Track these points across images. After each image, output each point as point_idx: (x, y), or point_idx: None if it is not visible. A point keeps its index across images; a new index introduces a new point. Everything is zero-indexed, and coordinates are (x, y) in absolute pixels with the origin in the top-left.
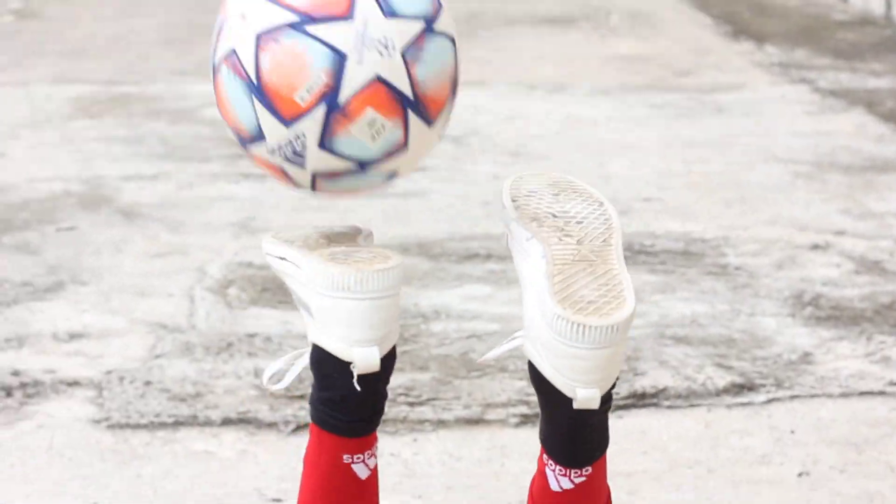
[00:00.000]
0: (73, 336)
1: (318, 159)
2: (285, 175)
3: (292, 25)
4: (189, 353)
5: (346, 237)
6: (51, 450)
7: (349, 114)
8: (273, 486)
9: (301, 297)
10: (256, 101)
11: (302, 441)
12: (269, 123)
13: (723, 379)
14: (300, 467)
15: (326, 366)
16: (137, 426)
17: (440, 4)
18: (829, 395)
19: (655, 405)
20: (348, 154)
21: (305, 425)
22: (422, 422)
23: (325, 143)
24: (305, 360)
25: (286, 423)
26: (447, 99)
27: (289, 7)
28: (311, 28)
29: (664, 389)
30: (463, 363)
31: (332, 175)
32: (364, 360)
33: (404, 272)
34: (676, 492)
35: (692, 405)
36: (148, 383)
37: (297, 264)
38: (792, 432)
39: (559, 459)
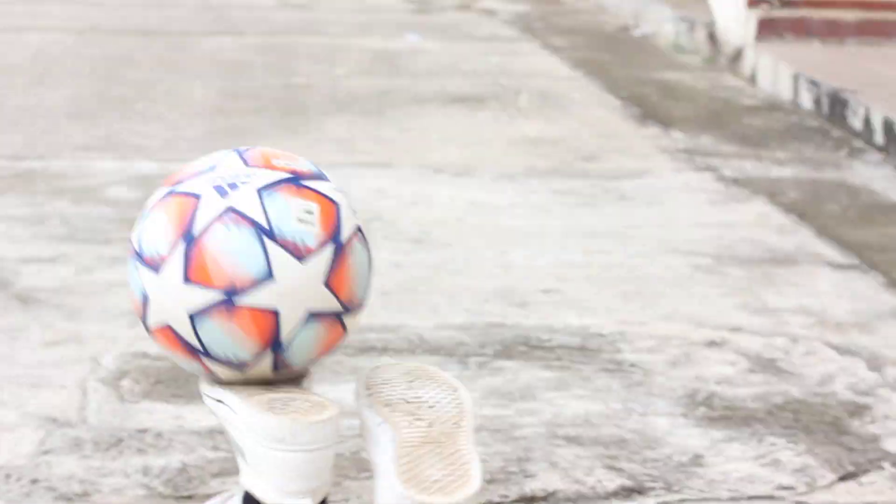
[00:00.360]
0: None
1: (274, 375)
2: None
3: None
4: (78, 450)
5: (290, 383)
6: None
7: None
8: None
9: (236, 442)
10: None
11: None
12: None
13: (612, 482)
14: None
15: None
16: None
17: (336, 208)
18: (718, 499)
19: None
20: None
21: None
22: None
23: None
24: (235, 500)
25: None
26: (369, 280)
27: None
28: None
29: (553, 493)
30: (354, 462)
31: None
32: None
33: (339, 424)
34: None
35: None
36: (34, 481)
37: (233, 409)
38: None
39: None
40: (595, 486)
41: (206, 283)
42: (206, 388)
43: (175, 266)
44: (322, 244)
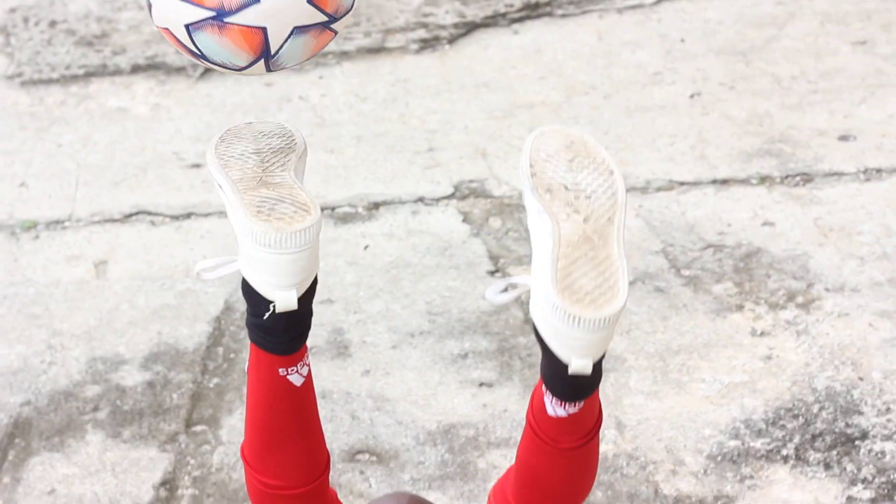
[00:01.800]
0: None
1: (269, 73)
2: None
3: None
4: None
5: (281, 154)
6: None
7: None
8: (189, 150)
9: (234, 228)
10: (206, 62)
11: (209, 87)
12: None
13: None
14: (213, 122)
15: (254, 297)
16: (50, 81)
17: None
18: None
19: (549, 14)
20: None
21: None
22: (325, 55)
23: (271, 70)
24: (234, 266)
25: (194, 66)
26: None
27: None
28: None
29: None
30: None
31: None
32: (283, 301)
33: (321, 226)
34: (575, 124)
35: (585, 12)
36: (53, 24)
37: (229, 203)
38: (682, 41)
39: (555, 395)
40: None
41: (198, 1)
42: (211, 165)
43: None
44: None
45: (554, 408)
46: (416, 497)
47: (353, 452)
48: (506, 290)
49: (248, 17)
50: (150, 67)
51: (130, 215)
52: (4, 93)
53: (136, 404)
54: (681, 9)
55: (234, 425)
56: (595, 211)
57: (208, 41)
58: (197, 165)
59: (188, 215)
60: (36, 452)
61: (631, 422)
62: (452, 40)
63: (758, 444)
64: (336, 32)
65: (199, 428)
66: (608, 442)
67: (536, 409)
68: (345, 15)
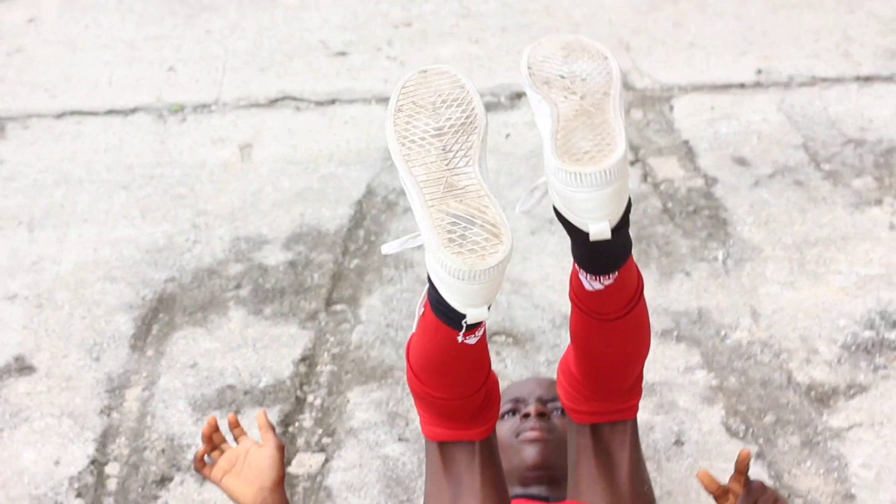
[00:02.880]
0: None
1: None
2: None
3: None
4: None
5: (462, 135)
6: (121, 4)
7: None
8: (336, 38)
9: (421, 234)
10: None
11: None
12: None
13: None
14: (359, 11)
15: (441, 303)
16: None
17: None
18: None
19: None
20: None
21: None
22: None
23: None
24: (419, 240)
25: None
26: None
27: None
28: None
29: None
30: None
31: None
32: (475, 317)
33: (512, 248)
34: (720, 19)
35: None
36: None
37: (415, 210)
38: None
39: (588, 270)
40: None
41: None
42: (392, 146)
43: None
44: None
45: (590, 282)
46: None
47: (490, 334)
48: (527, 195)
49: None
50: None
51: (276, 100)
52: None
53: (277, 283)
54: None
55: (372, 305)
56: (591, 89)
57: None
58: (343, 53)
59: (332, 101)
60: (179, 327)
61: (766, 311)
62: None
63: (892, 335)
64: None
65: (338, 307)
66: (742, 330)
67: (576, 285)
68: None
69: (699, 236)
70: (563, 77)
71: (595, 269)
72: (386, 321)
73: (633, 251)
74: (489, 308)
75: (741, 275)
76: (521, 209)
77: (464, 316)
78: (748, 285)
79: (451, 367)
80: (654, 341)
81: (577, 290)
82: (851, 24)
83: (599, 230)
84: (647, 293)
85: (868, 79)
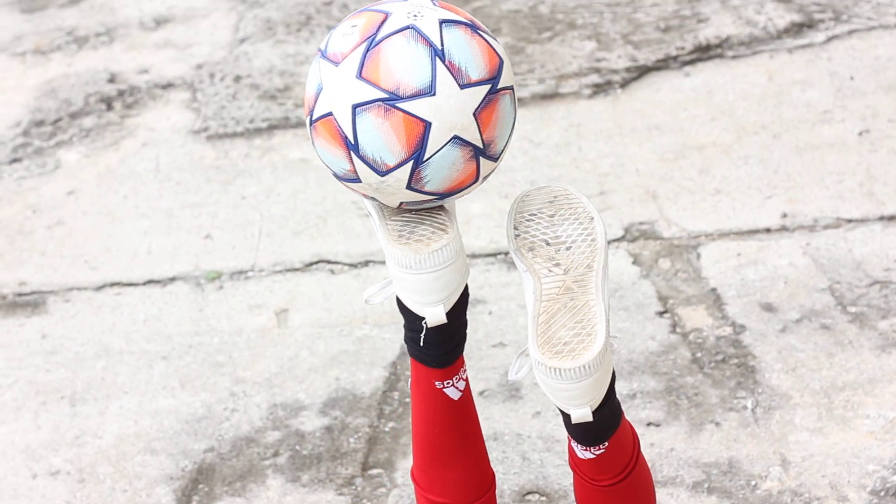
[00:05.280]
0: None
1: (405, 195)
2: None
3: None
4: (271, 34)
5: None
6: (159, 173)
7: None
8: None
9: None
10: (355, 157)
11: None
12: (364, 173)
13: (782, 19)
14: None
15: (407, 313)
16: (234, 135)
17: (500, 60)
18: (885, 27)
19: (720, 56)
20: (430, 191)
21: None
22: None
23: (411, 186)
24: (393, 286)
25: None
26: (509, 138)
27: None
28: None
29: (727, 38)
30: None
31: (417, 202)
32: (432, 316)
33: (460, 242)
34: (745, 164)
35: (755, 52)
36: (237, 79)
37: (375, 228)
38: (851, 78)
39: (577, 441)
40: (766, 25)
41: (374, 82)
42: (365, 200)
43: (353, 62)
44: (481, 80)
45: (581, 451)
46: None
47: (523, 493)
48: (519, 361)
49: (417, 107)
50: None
51: (311, 264)
52: (191, 147)
53: (314, 449)
54: (851, 46)
55: (408, 468)
56: (575, 261)
57: (369, 126)
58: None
59: (366, 263)
60: (219, 497)
61: (796, 458)
62: (624, 84)
63: None
64: (478, 177)
65: (374, 471)
66: (773, 479)
67: (571, 452)
68: (493, 155)
69: (728, 385)
70: (548, 244)
71: (584, 442)
72: None
73: (663, 403)
74: (450, 314)
75: (770, 423)
76: (514, 377)
77: (422, 329)
78: (777, 433)
79: (441, 438)
80: (684, 494)
81: (572, 457)
82: (874, 163)
83: (580, 415)
84: (677, 446)
85: (892, 218)
